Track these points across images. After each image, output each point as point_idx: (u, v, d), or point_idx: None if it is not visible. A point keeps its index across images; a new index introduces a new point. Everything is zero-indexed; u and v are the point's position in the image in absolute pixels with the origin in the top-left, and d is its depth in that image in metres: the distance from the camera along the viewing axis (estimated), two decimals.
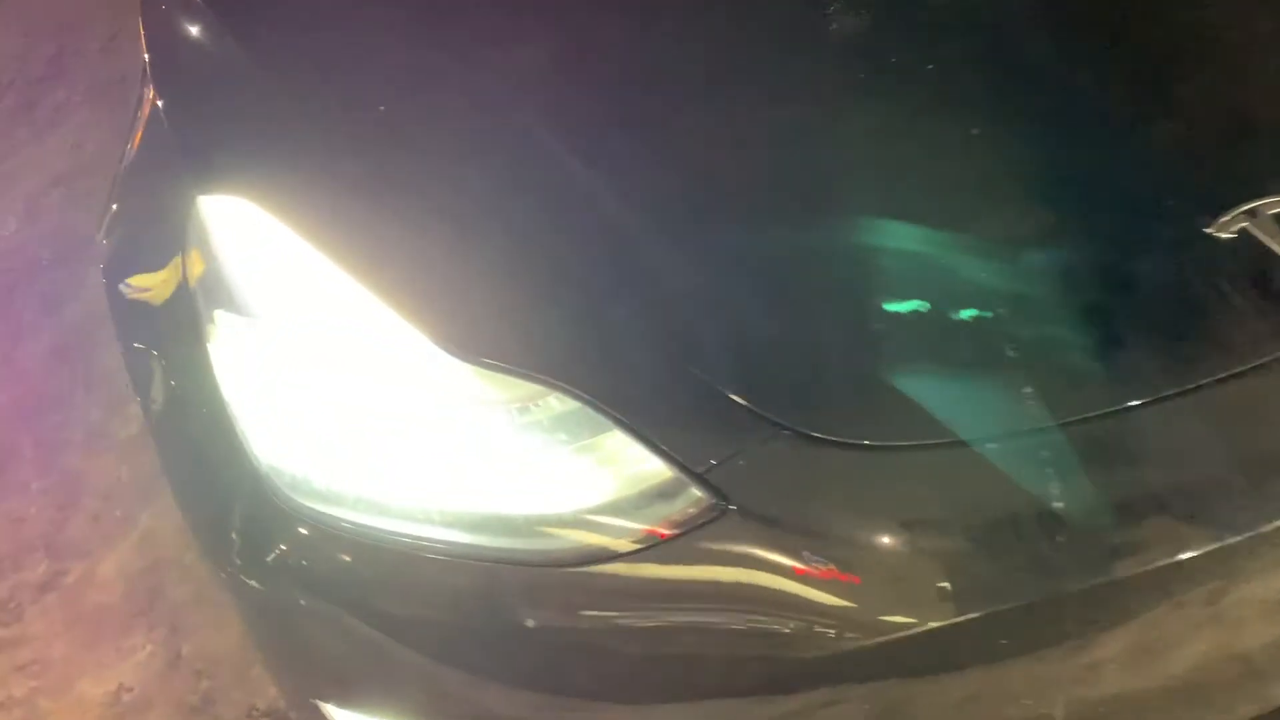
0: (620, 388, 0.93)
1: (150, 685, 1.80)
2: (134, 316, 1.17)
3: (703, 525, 0.89)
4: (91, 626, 1.91)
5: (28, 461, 2.29)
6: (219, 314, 1.05)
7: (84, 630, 1.91)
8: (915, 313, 0.91)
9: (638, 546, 0.91)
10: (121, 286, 1.21)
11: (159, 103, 1.22)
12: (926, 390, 0.89)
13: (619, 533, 0.92)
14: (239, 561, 1.02)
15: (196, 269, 1.07)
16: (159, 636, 1.86)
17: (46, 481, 2.23)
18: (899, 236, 0.93)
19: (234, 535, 1.01)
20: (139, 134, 1.31)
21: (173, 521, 2.07)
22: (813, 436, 0.88)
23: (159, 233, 1.17)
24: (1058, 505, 0.86)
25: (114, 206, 1.32)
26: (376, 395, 1.00)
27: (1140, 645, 0.93)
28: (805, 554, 0.87)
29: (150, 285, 1.17)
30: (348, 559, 0.98)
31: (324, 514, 0.98)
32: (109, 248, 1.26)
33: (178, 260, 1.12)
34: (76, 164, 3.08)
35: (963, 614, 0.86)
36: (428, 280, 1.01)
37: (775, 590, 0.88)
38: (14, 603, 1.99)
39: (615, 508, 0.92)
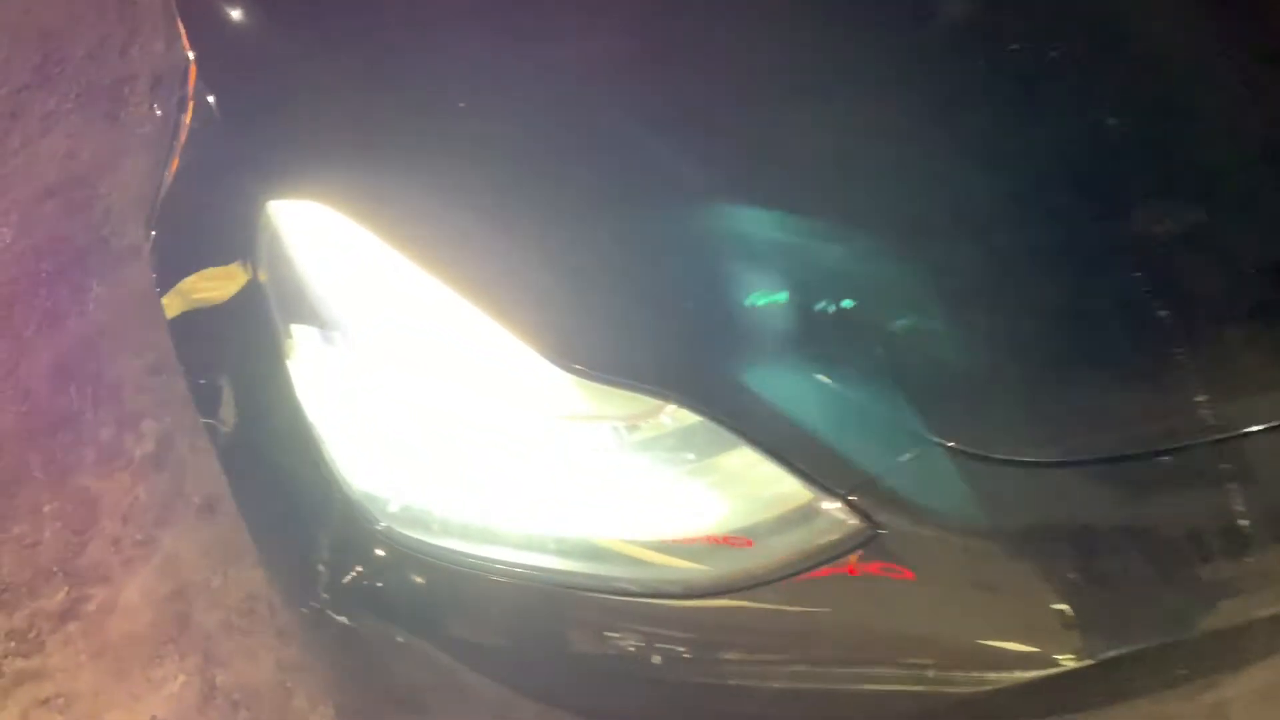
0: (745, 402, 0.86)
1: (185, 718, 1.71)
2: (198, 335, 1.09)
3: (848, 551, 0.82)
4: (118, 656, 1.82)
5: (38, 483, 2.19)
6: (297, 328, 0.97)
7: (110, 660, 1.82)
8: (1074, 317, 0.84)
9: (773, 576, 0.84)
10: (173, 298, 1.13)
11: (212, 102, 1.14)
12: (1088, 402, 0.82)
13: (751, 561, 0.85)
14: (326, 596, 0.94)
15: (268, 281, 0.99)
16: (191, 666, 1.77)
17: (59, 504, 2.13)
18: (1051, 241, 0.87)
19: (320, 568, 0.94)
20: (181, 142, 1.22)
21: (196, 544, 1.99)
22: (969, 453, 0.81)
23: (218, 243, 1.09)
24: (1228, 527, 0.80)
25: (153, 233, 1.23)
26: (475, 412, 0.93)
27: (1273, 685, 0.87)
28: (960, 582, 0.81)
29: (208, 294, 1.09)
30: (449, 591, 0.90)
31: (424, 543, 0.90)
32: (157, 262, 1.17)
33: (235, 268, 1.04)
34: (70, 173, 2.98)
35: (1125, 646, 0.80)
36: (527, 286, 0.93)
37: (928, 622, 0.81)
38: (34, 632, 1.89)
39: (746, 534, 0.85)
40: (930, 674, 0.81)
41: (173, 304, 1.11)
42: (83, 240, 2.73)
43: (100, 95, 3.11)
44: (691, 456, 0.87)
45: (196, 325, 1.09)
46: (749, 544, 0.84)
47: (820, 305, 0.88)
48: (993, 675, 0.79)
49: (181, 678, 1.76)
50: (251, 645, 1.77)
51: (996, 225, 0.88)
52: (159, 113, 1.50)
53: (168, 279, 1.13)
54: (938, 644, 0.81)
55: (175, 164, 1.23)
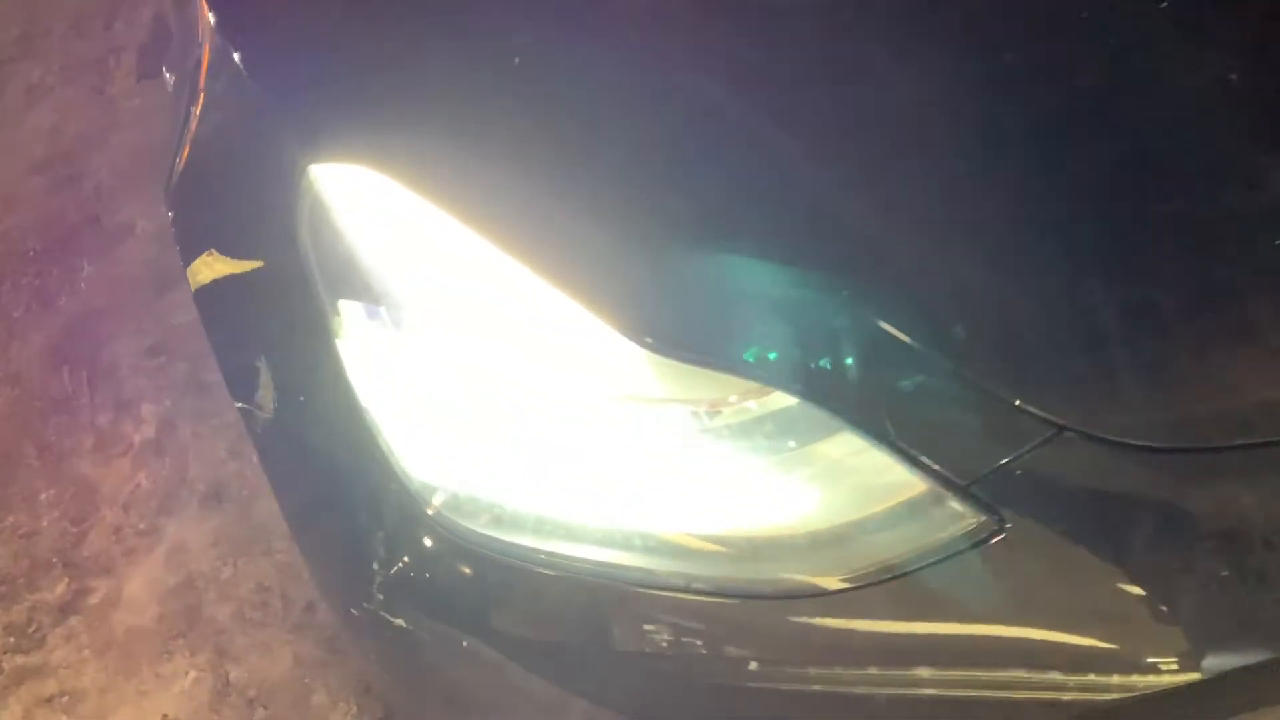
0: (847, 383, 0.78)
1: (198, 716, 1.63)
2: (229, 311, 1.00)
3: (969, 550, 0.74)
4: (124, 651, 1.73)
5: (33, 470, 2.10)
6: (346, 305, 0.88)
7: (116, 656, 1.73)
8: (1216, 291, 0.77)
9: (883, 576, 0.76)
10: (199, 269, 1.04)
11: (237, 60, 1.05)
12: (1234, 383, 0.75)
13: (857, 560, 0.77)
14: (381, 596, 0.86)
15: (310, 251, 0.91)
16: (202, 661, 1.69)
17: (56, 491, 2.04)
18: (1186, 208, 0.79)
19: (375, 566, 0.85)
20: (199, 107, 1.13)
21: (202, 533, 1.91)
22: (1105, 440, 0.74)
23: (250, 211, 1.00)
24: None
25: (170, 214, 1.14)
26: (541, 394, 0.85)
27: None
28: (1094, 580, 0.74)
29: (240, 266, 1.01)
30: (520, 592, 0.82)
31: (492, 539, 0.82)
32: (180, 232, 1.08)
33: (272, 238, 0.96)
34: (57, 149, 2.88)
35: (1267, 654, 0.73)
36: (595, 255, 0.85)
37: (1059, 622, 0.74)
38: (33, 626, 1.80)
39: (854, 529, 0.78)
40: (1063, 679, 0.74)
41: (198, 275, 1.02)
42: (72, 218, 2.64)
43: (86, 69, 3.01)
44: (792, 444, 0.79)
45: (227, 300, 1.00)
46: (863, 541, 0.76)
47: (937, 274, 0.80)
48: (1139, 680, 0.72)
49: (193, 674, 1.67)
50: (266, 639, 1.69)
51: (1131, 192, 0.80)
52: (170, 78, 1.41)
53: (193, 249, 1.04)
54: (1070, 647, 0.74)
55: (193, 129, 1.14)
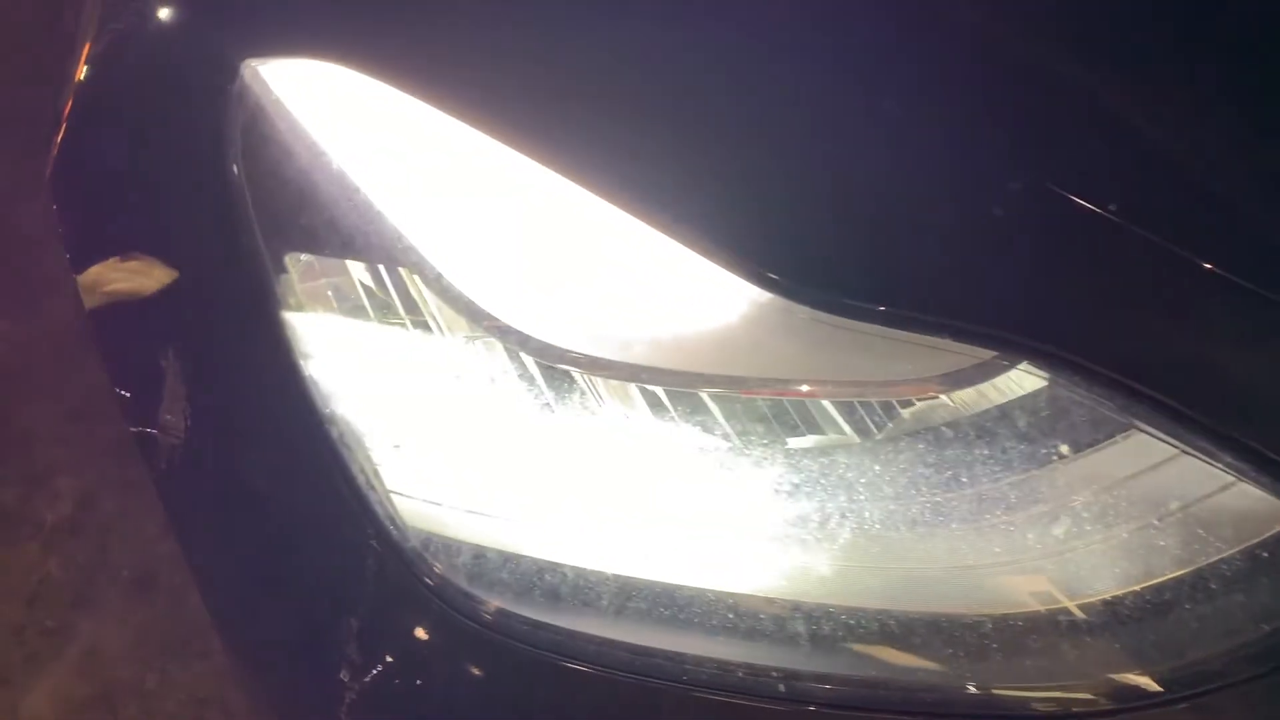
0: (1138, 362, 0.47)
1: None
2: (125, 293, 0.67)
3: None
4: None
5: None
6: (296, 259, 0.56)
7: None
8: None
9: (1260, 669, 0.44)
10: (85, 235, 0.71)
11: None
12: None
13: (1197, 641, 0.46)
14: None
15: (245, 180, 0.59)
16: None
17: None
18: None
19: (344, 675, 0.52)
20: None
21: (125, 631, 1.56)
22: None
23: (157, 138, 0.68)
24: None
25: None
26: (619, 389, 0.53)
27: None
28: None
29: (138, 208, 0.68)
30: (581, 699, 0.49)
31: (545, 627, 0.49)
32: (62, 187, 0.76)
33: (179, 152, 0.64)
34: None
35: None
36: (675, 164, 0.54)
37: None
38: None
39: (1183, 590, 0.46)
40: None
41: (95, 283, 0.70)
42: None
43: None
44: (1063, 448, 0.47)
45: (112, 254, 0.67)
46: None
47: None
48: None
49: None
50: None
51: None
52: None
53: (73, 202, 0.71)
54: None
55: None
